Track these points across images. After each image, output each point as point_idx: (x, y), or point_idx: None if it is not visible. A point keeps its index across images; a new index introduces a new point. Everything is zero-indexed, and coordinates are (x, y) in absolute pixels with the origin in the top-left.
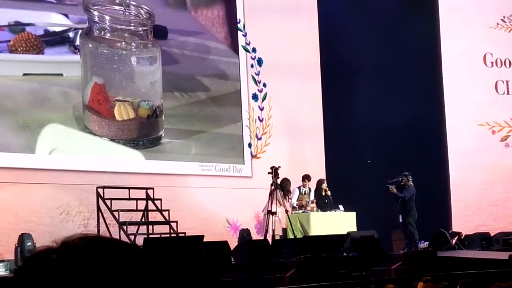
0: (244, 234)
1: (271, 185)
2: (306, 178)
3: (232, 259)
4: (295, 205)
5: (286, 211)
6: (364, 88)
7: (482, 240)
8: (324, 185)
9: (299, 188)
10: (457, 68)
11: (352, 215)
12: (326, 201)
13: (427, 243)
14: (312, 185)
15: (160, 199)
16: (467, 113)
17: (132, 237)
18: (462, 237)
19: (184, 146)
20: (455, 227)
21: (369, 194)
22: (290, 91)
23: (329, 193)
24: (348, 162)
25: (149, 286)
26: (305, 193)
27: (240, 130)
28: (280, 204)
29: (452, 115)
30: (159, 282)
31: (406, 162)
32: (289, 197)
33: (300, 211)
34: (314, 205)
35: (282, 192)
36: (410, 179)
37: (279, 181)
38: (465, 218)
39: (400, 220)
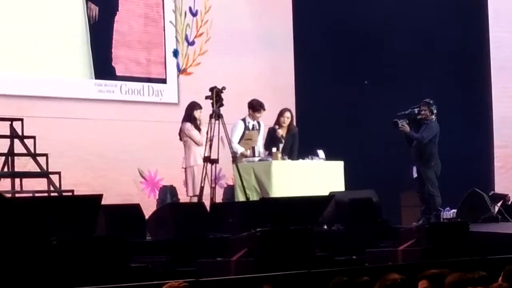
0: (167, 194)
1: (210, 116)
2: (258, 105)
3: (147, 233)
4: (235, 148)
5: (233, 158)
6: None
7: None
8: (288, 117)
9: (243, 120)
10: None
11: (338, 165)
12: (288, 143)
13: (454, 211)
14: (268, 119)
15: (34, 137)
16: None
17: None
18: (509, 202)
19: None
20: (499, 187)
21: (366, 133)
22: None
23: (295, 130)
24: (331, 84)
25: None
26: (253, 128)
27: (159, 28)
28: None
29: None
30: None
31: (430, 84)
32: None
33: (256, 159)
34: (274, 150)
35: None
36: (434, 111)
37: (222, 110)
38: None
39: (415, 174)
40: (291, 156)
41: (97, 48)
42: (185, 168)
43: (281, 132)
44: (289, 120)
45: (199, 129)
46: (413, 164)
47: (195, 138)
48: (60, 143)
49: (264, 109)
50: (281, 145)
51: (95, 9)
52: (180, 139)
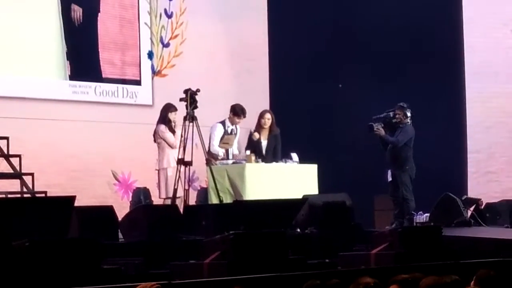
0: (140, 196)
1: (185, 118)
2: (240, 111)
3: (120, 235)
4: (216, 150)
5: (207, 161)
6: None
7: None
8: (268, 119)
9: (222, 123)
10: None
11: (312, 168)
12: (270, 145)
13: (427, 215)
14: (248, 123)
15: (7, 138)
16: None
17: None
18: (482, 207)
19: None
20: (472, 192)
21: (340, 136)
22: None
23: (277, 131)
24: (306, 86)
25: None
26: (231, 133)
27: (134, 30)
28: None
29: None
30: None
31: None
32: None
33: (230, 161)
34: (248, 152)
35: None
36: (409, 114)
37: (197, 113)
38: (487, 177)
39: (389, 178)
40: (275, 158)
41: (72, 49)
42: (158, 170)
43: (257, 135)
44: (269, 121)
45: (173, 131)
46: (387, 167)
47: (169, 140)
48: (33, 144)
49: (245, 116)
50: (262, 148)
51: (78, 11)
52: (155, 141)
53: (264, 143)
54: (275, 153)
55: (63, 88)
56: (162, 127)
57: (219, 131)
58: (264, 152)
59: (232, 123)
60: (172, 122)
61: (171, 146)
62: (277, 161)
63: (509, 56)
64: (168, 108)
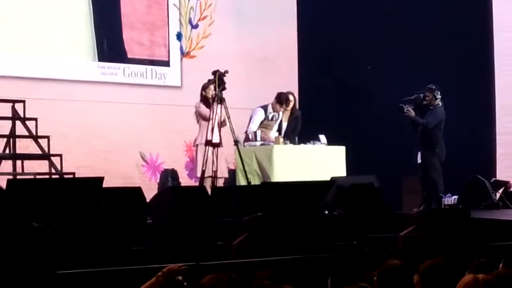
0: (168, 177)
1: (213, 99)
2: (284, 100)
3: (148, 217)
4: (252, 134)
5: (236, 142)
6: None
7: None
8: (291, 101)
9: (264, 108)
10: None
11: (340, 150)
12: (290, 127)
13: (455, 197)
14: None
15: (35, 119)
16: None
17: None
18: (510, 189)
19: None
20: (500, 174)
21: (368, 118)
22: None
23: (298, 113)
24: (336, 68)
25: None
26: (272, 119)
27: (162, 11)
28: (222, 127)
29: None
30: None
31: (435, 70)
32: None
33: (258, 143)
34: (276, 134)
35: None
36: (438, 97)
37: (225, 94)
38: None
39: (419, 160)
40: (292, 140)
41: (101, 29)
42: (196, 146)
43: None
44: (292, 103)
45: (208, 106)
46: (418, 149)
47: (201, 112)
48: (62, 125)
49: (288, 106)
50: (282, 129)
51: None
52: (197, 121)
53: (284, 124)
54: (294, 134)
55: (92, 69)
56: (197, 102)
57: (259, 115)
58: (283, 133)
59: (274, 110)
60: (208, 97)
61: (204, 119)
62: (304, 143)
63: None
64: (204, 86)
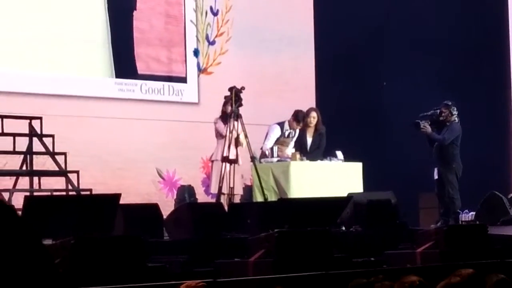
0: (185, 194)
1: (229, 116)
2: (301, 118)
3: (165, 233)
4: (268, 151)
5: (253, 158)
6: None
7: None
8: (314, 117)
9: (280, 125)
10: None
11: (357, 166)
12: (315, 144)
13: (473, 213)
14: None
15: (52, 136)
16: None
17: (6, 194)
18: None
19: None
20: None
21: (385, 134)
22: None
23: (322, 129)
24: (352, 85)
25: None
26: (289, 136)
27: (179, 27)
28: (238, 146)
29: None
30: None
31: (451, 86)
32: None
33: (275, 159)
34: (294, 150)
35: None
36: (455, 113)
37: (242, 110)
38: None
39: (435, 176)
40: (317, 156)
41: (118, 46)
42: (212, 162)
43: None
44: (315, 120)
45: (225, 123)
46: (434, 165)
47: (218, 129)
48: (79, 142)
49: (303, 121)
50: (307, 146)
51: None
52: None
53: (309, 140)
54: (318, 150)
55: (109, 86)
56: (215, 118)
57: (276, 132)
58: (308, 149)
59: (291, 127)
60: (226, 113)
61: (220, 135)
62: (320, 159)
63: None
64: (225, 101)
